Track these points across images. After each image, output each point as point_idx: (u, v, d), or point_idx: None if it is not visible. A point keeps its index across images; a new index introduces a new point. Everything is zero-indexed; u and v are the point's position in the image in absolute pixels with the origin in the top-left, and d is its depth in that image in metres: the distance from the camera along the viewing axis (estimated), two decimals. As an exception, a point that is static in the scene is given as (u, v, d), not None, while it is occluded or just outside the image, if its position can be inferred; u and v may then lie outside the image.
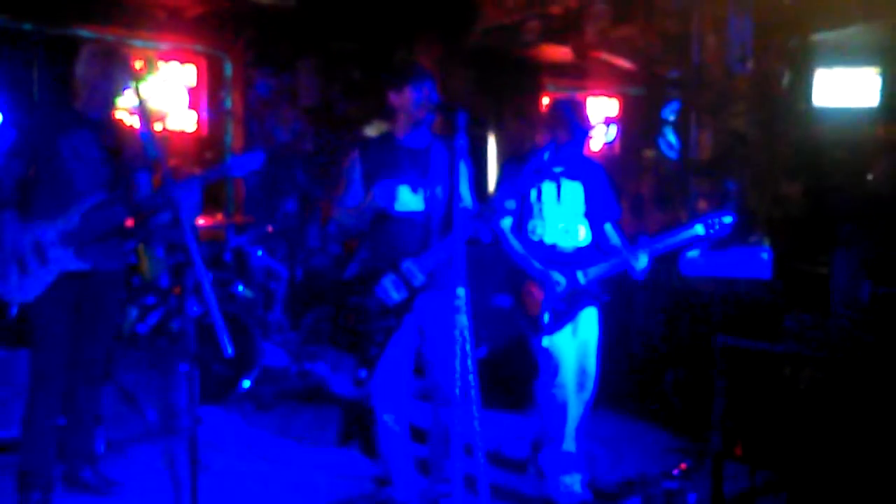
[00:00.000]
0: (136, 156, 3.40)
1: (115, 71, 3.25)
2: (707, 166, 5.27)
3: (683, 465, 3.58)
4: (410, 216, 3.16)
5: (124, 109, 5.81)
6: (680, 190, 5.44)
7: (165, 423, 4.21)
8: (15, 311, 3.43)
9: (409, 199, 3.15)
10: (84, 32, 6.09)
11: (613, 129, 6.71)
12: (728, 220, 3.38)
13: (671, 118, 5.73)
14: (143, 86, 6.21)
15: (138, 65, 6.30)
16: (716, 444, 3.44)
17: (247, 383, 4.70)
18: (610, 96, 7.07)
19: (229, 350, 2.54)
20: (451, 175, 3.06)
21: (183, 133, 6.65)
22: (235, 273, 5.15)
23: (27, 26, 6.04)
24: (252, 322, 4.79)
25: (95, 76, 3.24)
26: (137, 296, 5.04)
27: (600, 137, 6.78)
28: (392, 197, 3.09)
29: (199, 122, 6.74)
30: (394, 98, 3.18)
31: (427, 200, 3.17)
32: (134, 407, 4.42)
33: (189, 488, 2.67)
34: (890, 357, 3.08)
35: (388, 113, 3.28)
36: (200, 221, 5.13)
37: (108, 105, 3.36)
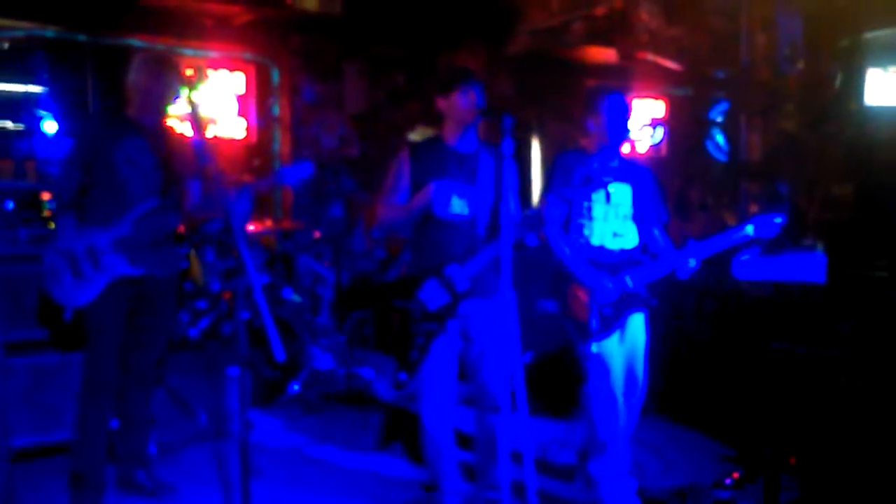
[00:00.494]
0: (188, 163, 3.46)
1: (166, 78, 3.31)
2: (757, 168, 5.17)
3: (736, 475, 3.51)
4: (456, 220, 3.16)
5: (176, 117, 5.94)
6: (729, 193, 5.34)
7: (216, 427, 4.27)
8: (69, 315, 3.51)
9: (456, 204, 3.16)
10: (135, 42, 6.23)
11: (660, 131, 6.61)
12: (778, 220, 3.33)
13: (719, 119, 5.63)
14: (194, 94, 6.32)
15: (188, 73, 6.42)
16: (769, 453, 3.37)
17: (296, 387, 4.76)
18: (656, 98, 6.97)
19: (281, 355, 2.56)
20: (497, 180, 3.06)
21: (232, 140, 6.76)
22: (284, 278, 5.22)
23: (80, 37, 6.20)
24: (300, 326, 4.85)
25: (147, 83, 3.30)
26: (189, 300, 5.14)
27: (647, 139, 6.69)
28: (447, 200, 3.10)
29: (247, 129, 6.83)
30: (441, 103, 3.18)
31: (474, 205, 3.17)
32: (185, 411, 4.49)
33: (240, 492, 2.69)
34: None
35: (432, 118, 3.29)
36: (250, 227, 5.21)
37: (161, 112, 3.42)
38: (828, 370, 3.30)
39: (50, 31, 6.13)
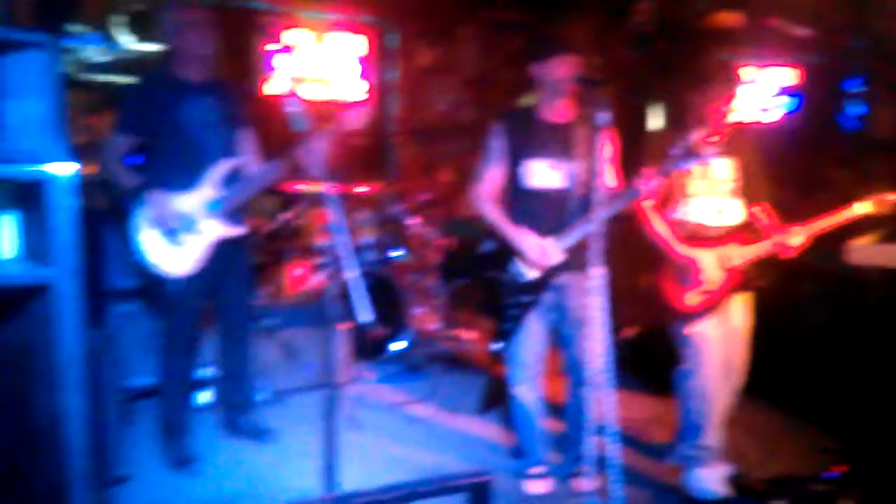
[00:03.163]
0: (245, 116, 3.47)
1: (196, 36, 3.25)
2: (886, 145, 4.79)
3: (839, 469, 3.34)
4: (549, 192, 3.11)
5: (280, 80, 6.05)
6: (855, 168, 4.97)
7: (324, 377, 4.46)
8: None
9: (548, 175, 3.12)
10: (258, 5, 6.38)
11: (791, 101, 6.22)
12: (892, 197, 3.14)
13: (854, 91, 5.23)
14: (301, 56, 6.42)
15: (293, 34, 6.45)
16: (878, 449, 3.19)
17: (401, 345, 4.90)
18: (788, 66, 6.56)
19: (368, 316, 2.65)
20: (592, 151, 3.00)
21: (351, 104, 6.82)
22: (393, 239, 5.34)
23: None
24: (407, 286, 4.97)
25: (180, 42, 3.26)
26: (306, 256, 5.38)
27: (777, 109, 6.32)
28: (532, 173, 3.09)
29: (368, 92, 6.92)
30: (535, 71, 3.11)
31: (567, 177, 3.12)
32: (296, 360, 4.74)
33: (335, 441, 2.79)
34: None
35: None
36: (362, 189, 5.36)
37: (206, 67, 3.33)
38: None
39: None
